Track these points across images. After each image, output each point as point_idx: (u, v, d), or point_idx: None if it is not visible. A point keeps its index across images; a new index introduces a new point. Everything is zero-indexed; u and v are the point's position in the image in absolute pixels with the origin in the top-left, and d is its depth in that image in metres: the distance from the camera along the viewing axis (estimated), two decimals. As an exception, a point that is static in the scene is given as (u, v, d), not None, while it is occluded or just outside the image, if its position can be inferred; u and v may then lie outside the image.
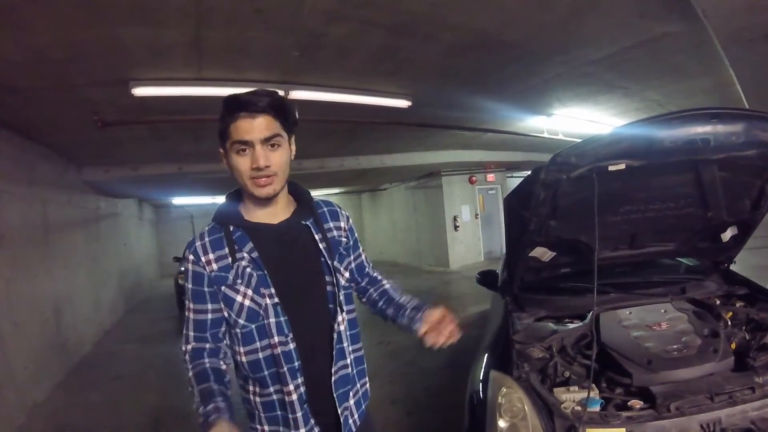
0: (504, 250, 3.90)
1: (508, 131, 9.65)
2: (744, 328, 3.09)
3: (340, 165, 11.59)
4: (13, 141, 6.51)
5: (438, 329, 1.82)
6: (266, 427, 1.80)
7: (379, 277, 2.20)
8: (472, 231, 16.61)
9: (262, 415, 1.80)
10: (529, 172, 2.94)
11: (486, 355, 3.14)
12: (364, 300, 2.21)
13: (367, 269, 2.17)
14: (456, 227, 16.00)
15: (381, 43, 4.83)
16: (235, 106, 1.67)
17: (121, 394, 6.63)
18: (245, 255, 1.74)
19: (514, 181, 17.03)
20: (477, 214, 16.79)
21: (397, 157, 12.33)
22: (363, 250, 2.17)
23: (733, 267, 3.85)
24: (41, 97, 5.29)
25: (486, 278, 4.52)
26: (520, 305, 3.62)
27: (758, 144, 2.62)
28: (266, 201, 1.77)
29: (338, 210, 2.04)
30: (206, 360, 1.78)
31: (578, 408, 2.42)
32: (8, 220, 6.18)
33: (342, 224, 2.00)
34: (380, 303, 2.13)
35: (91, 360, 8.57)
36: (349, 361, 1.86)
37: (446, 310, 1.88)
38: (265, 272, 1.73)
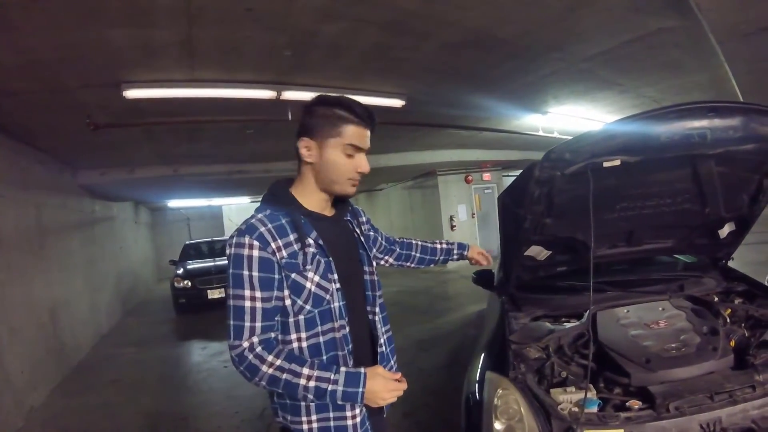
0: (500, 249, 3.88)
1: (503, 130, 9.64)
2: (743, 325, 3.06)
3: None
4: (7, 144, 6.47)
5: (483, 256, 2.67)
6: (314, 417, 1.83)
7: (405, 240, 2.65)
8: (468, 230, 16.58)
9: (311, 405, 1.81)
10: (523, 170, 2.91)
11: (482, 355, 3.11)
12: (397, 260, 2.64)
13: (392, 238, 2.58)
14: (453, 227, 15.99)
15: (374, 42, 4.80)
16: (359, 113, 1.84)
17: (118, 397, 6.60)
18: (311, 242, 1.82)
19: (511, 180, 16.96)
20: (473, 214, 16.77)
21: (393, 156, 12.31)
22: (380, 231, 2.50)
23: (731, 263, 3.83)
24: (34, 100, 5.27)
25: (482, 278, 4.48)
26: (517, 305, 3.60)
27: (756, 138, 2.60)
28: (338, 198, 1.98)
29: (358, 208, 2.26)
30: (282, 347, 1.78)
31: (576, 409, 2.39)
32: (2, 225, 6.14)
33: (363, 219, 2.25)
34: (414, 252, 2.64)
35: (89, 363, 8.54)
36: (383, 340, 2.02)
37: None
38: (330, 259, 1.84)
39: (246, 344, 1.71)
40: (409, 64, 5.57)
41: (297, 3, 3.87)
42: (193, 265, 13.14)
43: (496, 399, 2.54)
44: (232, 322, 1.72)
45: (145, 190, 13.13)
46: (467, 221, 16.51)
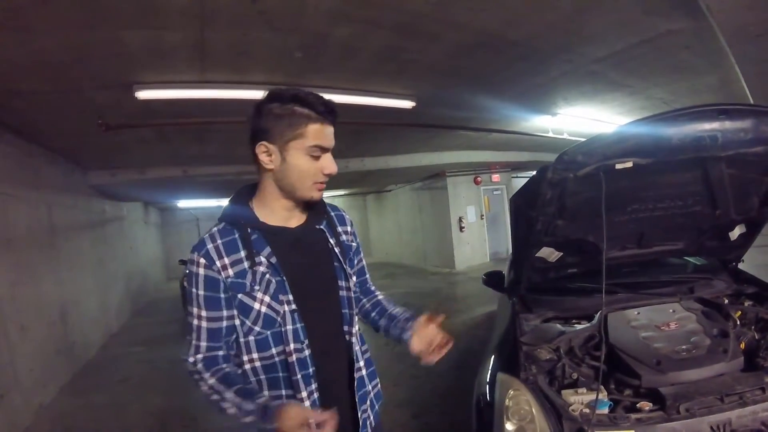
0: (510, 251, 3.86)
1: (513, 131, 9.62)
2: (753, 327, 3.06)
3: (345, 167, 11.55)
4: (18, 145, 6.53)
5: (430, 345, 1.75)
6: None
7: (373, 288, 2.17)
8: (477, 232, 16.57)
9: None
10: (535, 172, 2.91)
11: (493, 356, 3.11)
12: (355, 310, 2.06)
13: (365, 277, 2.13)
14: (461, 228, 15.96)
15: (385, 44, 4.81)
16: (319, 109, 1.65)
17: (127, 396, 6.63)
18: (263, 260, 1.69)
19: (520, 181, 16.94)
20: (482, 215, 16.74)
21: (402, 158, 12.34)
22: (363, 258, 2.12)
23: (741, 265, 3.82)
24: (46, 100, 5.30)
25: (492, 279, 4.49)
26: (527, 306, 3.60)
27: (767, 140, 2.60)
28: (305, 204, 1.79)
29: (344, 214, 2.03)
30: (225, 366, 1.70)
31: (587, 410, 2.39)
32: (13, 224, 6.20)
33: (348, 228, 2.00)
34: (373, 313, 2.08)
35: (98, 362, 8.58)
36: (362, 363, 1.87)
37: (434, 319, 1.81)
38: (284, 278, 1.69)
39: (191, 360, 1.70)
40: (419, 66, 5.58)
41: (308, 6, 3.89)
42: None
43: (507, 400, 2.55)
44: (186, 336, 1.73)
45: (155, 191, 13.17)
46: (476, 222, 16.48)
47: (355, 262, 2.03)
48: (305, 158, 1.66)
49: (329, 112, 1.66)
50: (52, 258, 7.48)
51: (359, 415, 1.79)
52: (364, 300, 2.12)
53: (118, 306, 11.73)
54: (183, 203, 19.98)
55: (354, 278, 1.94)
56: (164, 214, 22.82)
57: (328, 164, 1.69)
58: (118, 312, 11.65)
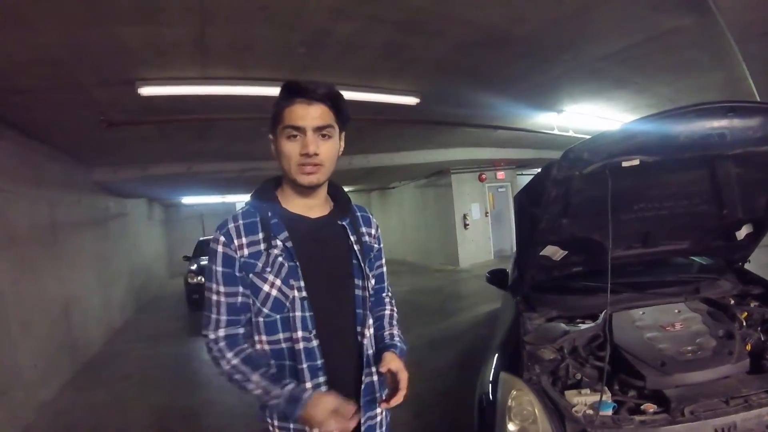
0: (514, 249, 3.84)
1: (517, 128, 9.58)
2: (759, 328, 3.03)
3: (349, 163, 11.53)
4: (19, 141, 6.51)
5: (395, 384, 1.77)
6: (276, 422, 1.74)
7: (386, 300, 2.13)
8: (482, 229, 16.52)
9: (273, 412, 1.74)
10: (540, 169, 2.89)
11: (496, 355, 3.09)
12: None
13: (383, 285, 2.11)
14: (466, 225, 15.91)
15: (387, 40, 4.78)
16: (292, 91, 1.67)
17: (129, 393, 6.64)
18: (279, 243, 1.71)
19: (524, 178, 16.91)
20: (487, 212, 16.69)
21: (406, 155, 12.30)
22: (384, 265, 2.11)
23: (747, 265, 3.79)
24: (48, 97, 5.28)
25: (496, 277, 4.47)
26: (531, 305, 3.58)
27: (775, 139, 2.57)
28: (308, 190, 1.76)
29: (370, 217, 2.05)
30: (246, 346, 1.73)
31: (590, 412, 2.37)
32: (15, 221, 6.20)
33: (373, 231, 2.01)
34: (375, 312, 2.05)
35: (100, 359, 8.58)
36: (374, 369, 1.82)
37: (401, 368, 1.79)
38: (297, 264, 1.70)
39: (212, 336, 1.71)
40: (423, 63, 5.56)
41: (310, 1, 3.87)
42: (206, 261, 13.10)
43: (509, 400, 2.53)
44: (205, 312, 1.75)
45: (158, 187, 13.17)
46: (480, 220, 16.44)
47: (376, 266, 2.02)
48: (285, 141, 1.69)
49: (302, 90, 1.66)
50: (54, 255, 7.48)
51: (362, 421, 1.76)
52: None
53: (121, 302, 11.74)
54: (187, 200, 20.04)
55: (372, 281, 1.94)
56: (168, 210, 22.83)
57: (304, 144, 1.66)
58: (121, 308, 11.66)
